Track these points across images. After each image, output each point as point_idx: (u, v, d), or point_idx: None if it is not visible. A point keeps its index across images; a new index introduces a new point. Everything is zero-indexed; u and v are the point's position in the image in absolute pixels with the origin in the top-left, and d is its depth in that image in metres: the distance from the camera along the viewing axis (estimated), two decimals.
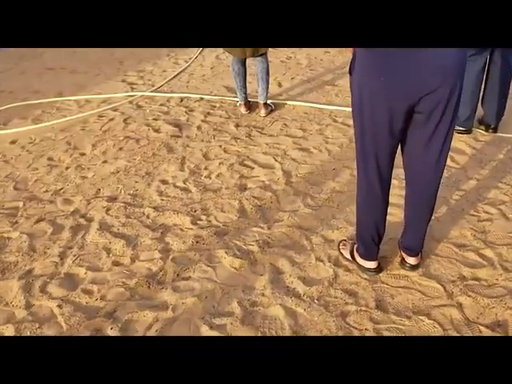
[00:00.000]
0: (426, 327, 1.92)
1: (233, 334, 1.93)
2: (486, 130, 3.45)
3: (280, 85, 4.70)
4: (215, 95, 4.53)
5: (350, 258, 2.28)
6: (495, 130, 3.44)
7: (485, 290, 2.09)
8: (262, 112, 3.99)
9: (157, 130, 3.86)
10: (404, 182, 2.05)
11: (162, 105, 4.38)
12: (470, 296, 2.05)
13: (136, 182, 3.12)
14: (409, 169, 1.96)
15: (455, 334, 1.87)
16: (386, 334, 1.90)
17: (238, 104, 4.19)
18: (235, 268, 2.29)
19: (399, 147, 1.91)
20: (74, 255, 2.45)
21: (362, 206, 2.08)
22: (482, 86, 3.32)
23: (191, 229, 2.60)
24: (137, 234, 2.60)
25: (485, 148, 3.27)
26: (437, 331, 1.90)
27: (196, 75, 5.14)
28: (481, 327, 1.90)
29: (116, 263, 2.39)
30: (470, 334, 1.87)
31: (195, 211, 2.76)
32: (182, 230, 2.61)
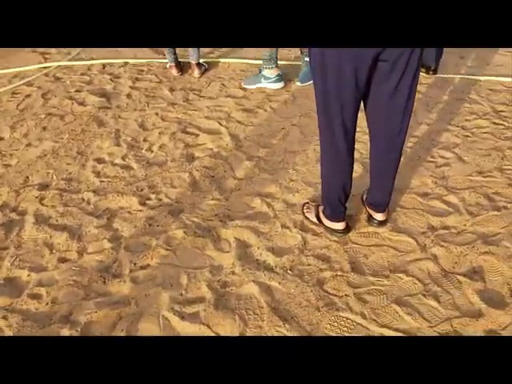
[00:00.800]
0: (406, 284, 1.87)
1: (207, 322, 1.78)
2: (427, 73, 3.42)
3: None
4: (141, 58, 4.16)
5: (317, 221, 2.17)
6: (435, 72, 3.42)
7: (455, 237, 2.06)
8: (196, 73, 3.72)
9: (82, 103, 3.48)
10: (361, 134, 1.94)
11: (82, 74, 3.96)
12: (442, 246, 2.02)
13: (68, 164, 2.80)
14: (374, 122, 1.85)
15: (435, 288, 1.84)
16: (366, 297, 1.83)
17: (167, 66, 3.87)
18: (198, 248, 2.11)
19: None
20: (12, 256, 2.15)
21: (328, 168, 1.95)
22: None
23: (141, 210, 2.37)
24: (79, 223, 2.32)
25: (429, 91, 3.24)
26: (417, 287, 1.85)
27: None
28: (458, 277, 1.88)
29: (62, 260, 2.12)
30: (449, 285, 1.84)
31: (142, 190, 2.52)
32: (130, 212, 2.36)
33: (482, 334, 1.66)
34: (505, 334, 1.66)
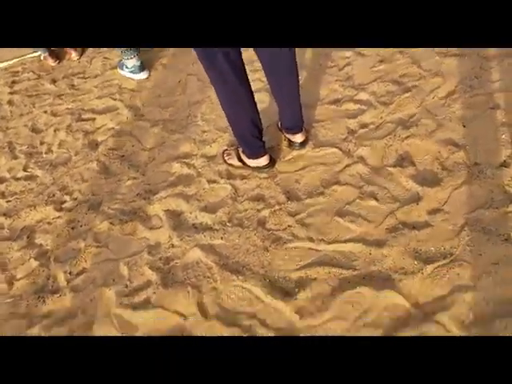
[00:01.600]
0: (342, 195, 1.83)
1: (161, 303, 1.68)
2: None
3: None
4: (10, 60, 3.77)
5: (241, 164, 2.08)
6: None
7: (376, 132, 2.03)
8: (74, 55, 3.41)
9: None
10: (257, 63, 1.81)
11: None
12: (366, 145, 1.98)
13: None
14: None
15: (370, 188, 1.81)
16: (308, 220, 1.78)
17: (42, 58, 3.53)
18: (129, 234, 1.98)
19: None
20: None
21: (229, 106, 1.83)
22: None
23: (59, 217, 2.18)
24: None
25: None
26: (353, 193, 1.81)
27: None
28: (389, 169, 1.86)
29: None
30: (384, 180, 1.82)
31: (54, 195, 2.32)
32: (49, 223, 2.18)
33: (427, 216, 1.66)
34: (447, 208, 1.66)
